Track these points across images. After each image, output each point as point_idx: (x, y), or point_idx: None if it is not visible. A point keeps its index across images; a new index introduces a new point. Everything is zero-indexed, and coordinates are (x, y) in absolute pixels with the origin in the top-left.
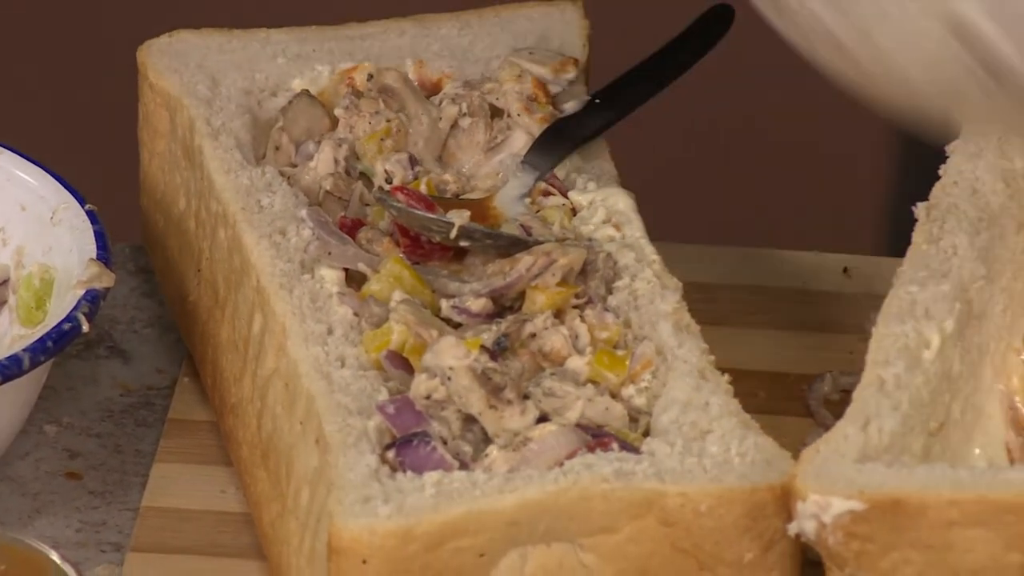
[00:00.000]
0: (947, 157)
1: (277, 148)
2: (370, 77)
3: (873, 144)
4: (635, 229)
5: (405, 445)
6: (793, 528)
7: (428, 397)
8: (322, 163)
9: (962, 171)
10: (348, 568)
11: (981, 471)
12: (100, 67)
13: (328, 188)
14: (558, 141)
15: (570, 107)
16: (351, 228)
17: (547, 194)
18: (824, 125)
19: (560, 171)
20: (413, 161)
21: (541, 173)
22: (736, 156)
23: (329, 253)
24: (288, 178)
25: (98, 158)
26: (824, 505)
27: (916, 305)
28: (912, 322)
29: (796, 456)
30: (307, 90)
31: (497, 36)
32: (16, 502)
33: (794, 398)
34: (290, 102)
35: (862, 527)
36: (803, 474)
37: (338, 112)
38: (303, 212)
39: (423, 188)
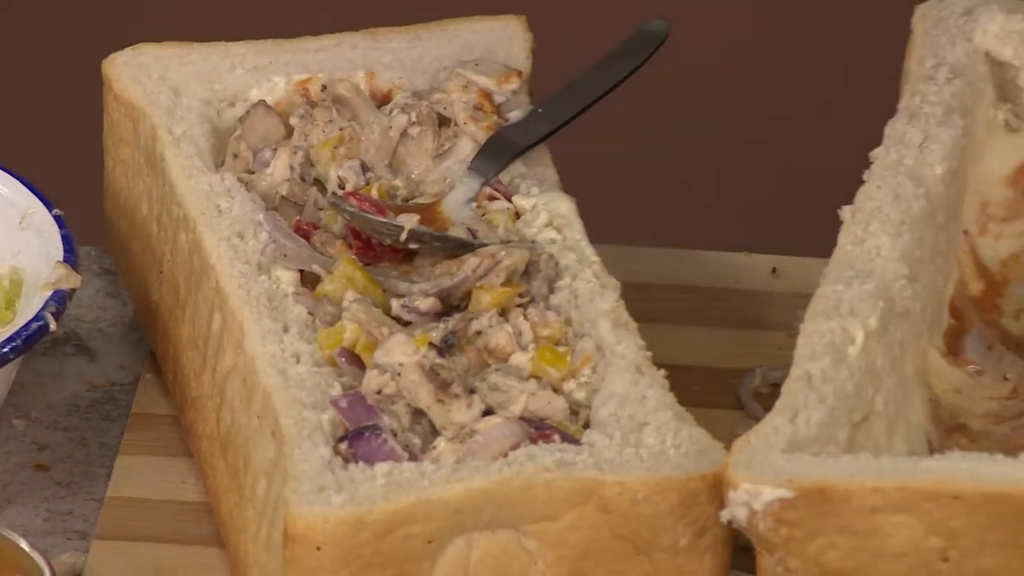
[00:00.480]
0: (871, 163)
1: (235, 155)
2: (324, 88)
3: (800, 149)
4: (576, 232)
5: (357, 437)
6: (725, 515)
7: (379, 392)
8: (278, 170)
9: (885, 176)
10: (302, 554)
11: (903, 460)
12: (67, 79)
13: (284, 193)
14: (502, 148)
15: (514, 116)
16: (306, 231)
17: (492, 199)
18: (753, 133)
19: (504, 177)
20: (365, 167)
21: (486, 179)
22: (671, 163)
23: (285, 255)
24: (246, 184)
25: (65, 165)
26: (755, 493)
27: (841, 303)
28: (837, 319)
29: (728, 447)
30: (264, 100)
31: (445, 49)
32: None
33: (726, 392)
34: (248, 112)
35: (790, 514)
36: (735, 464)
37: (293, 121)
38: (260, 216)
39: (374, 193)
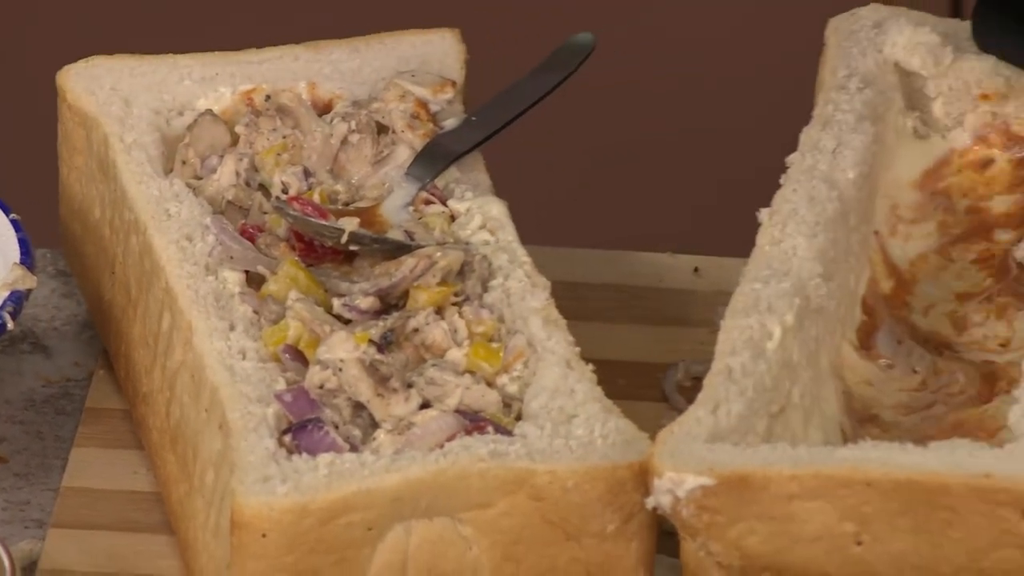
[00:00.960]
0: (787, 168)
1: (184, 162)
2: (268, 98)
3: (721, 155)
4: (508, 234)
5: (300, 430)
6: (651, 502)
7: (321, 387)
8: (225, 175)
9: (800, 180)
10: (249, 541)
11: (818, 449)
12: (23, 90)
13: (230, 198)
14: (438, 155)
15: (449, 124)
16: (251, 234)
17: (428, 203)
18: (675, 140)
19: (440, 182)
20: (307, 173)
21: (423, 184)
22: (598, 168)
23: (231, 257)
24: (194, 189)
25: (21, 172)
26: (678, 481)
27: (760, 301)
28: (756, 316)
29: (653, 437)
30: (211, 110)
31: (383, 60)
32: None
33: (651, 385)
34: (195, 120)
35: (712, 501)
36: (659, 453)
37: (239, 129)
38: (207, 220)
39: (316, 198)
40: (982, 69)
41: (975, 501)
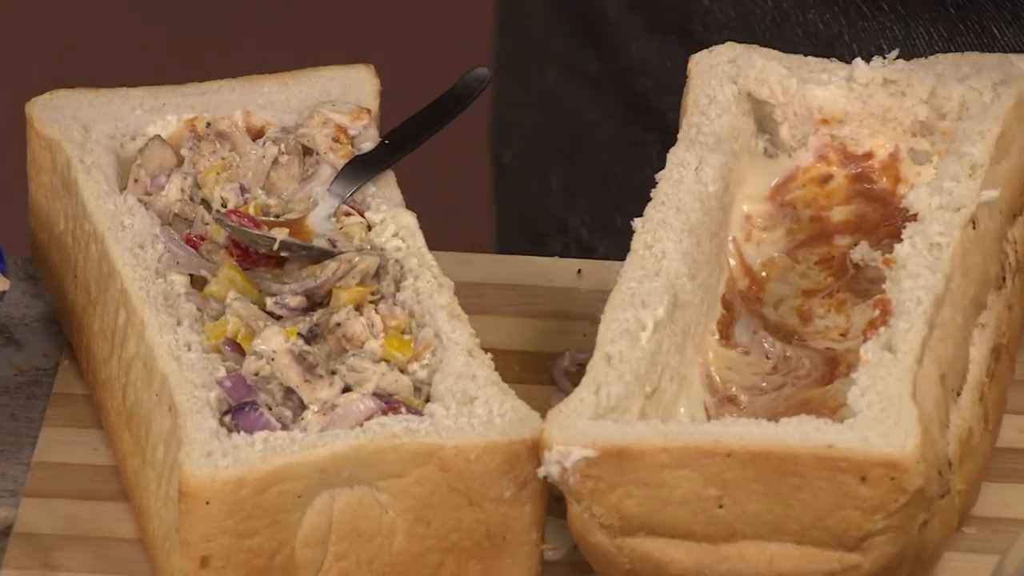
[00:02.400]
0: (657, 183)
1: (136, 180)
2: (208, 125)
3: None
4: (417, 241)
5: (239, 411)
6: (542, 471)
7: (257, 374)
8: (171, 192)
9: (669, 194)
10: (194, 508)
11: (685, 425)
12: None
13: (176, 211)
14: (356, 173)
15: (365, 146)
16: (195, 242)
17: (348, 214)
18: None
19: (358, 196)
20: (243, 189)
21: (343, 198)
22: (493, 184)
23: (178, 262)
24: (145, 204)
25: None
26: (565, 453)
27: (635, 297)
28: (632, 310)
29: (543, 416)
30: (159, 135)
31: (308, 92)
32: None
33: (541, 371)
34: (146, 144)
35: (594, 469)
36: (549, 429)
37: (184, 152)
38: (157, 230)
39: (251, 211)
40: (823, 97)
41: (819, 469)
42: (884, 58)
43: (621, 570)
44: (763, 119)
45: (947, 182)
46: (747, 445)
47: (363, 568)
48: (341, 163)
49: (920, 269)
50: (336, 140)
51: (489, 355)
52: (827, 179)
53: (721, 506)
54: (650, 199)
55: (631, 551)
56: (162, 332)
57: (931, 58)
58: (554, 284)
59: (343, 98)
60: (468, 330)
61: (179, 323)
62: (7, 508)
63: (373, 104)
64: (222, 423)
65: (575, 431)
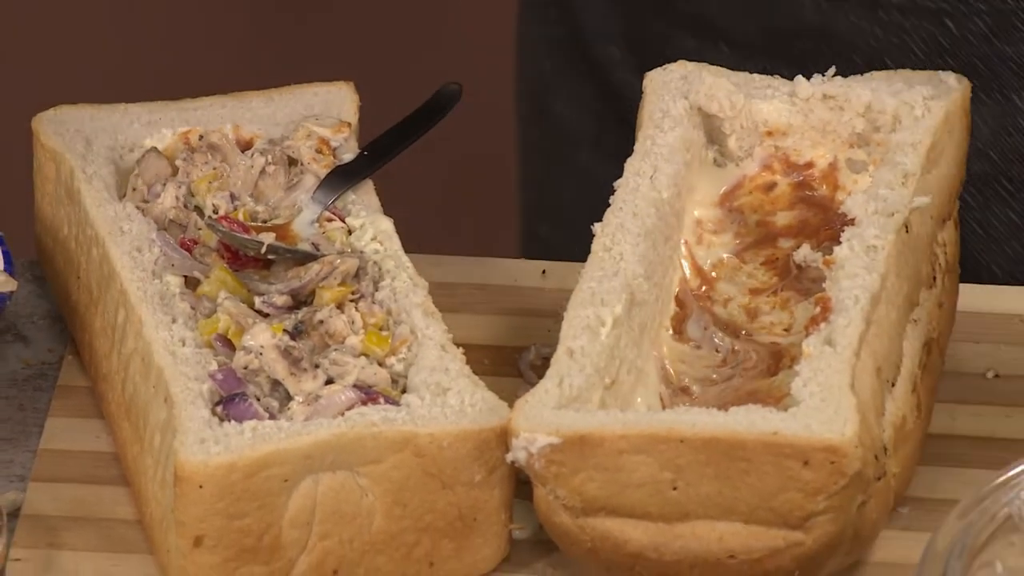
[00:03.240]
0: (615, 191)
1: (134, 189)
2: (201, 137)
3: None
4: (394, 244)
5: (230, 402)
6: (509, 457)
7: (246, 367)
8: (167, 199)
9: (625, 200)
10: (189, 491)
11: (642, 414)
12: (6, 131)
13: (171, 217)
14: (337, 182)
15: (346, 157)
16: (188, 246)
17: (330, 220)
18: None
19: (339, 203)
20: (233, 197)
21: (325, 205)
22: (466, 191)
23: (173, 264)
24: (142, 210)
25: (3, 198)
26: (532, 440)
27: (595, 295)
28: (592, 308)
29: (511, 405)
30: (155, 147)
31: (292, 107)
32: None
33: (509, 364)
34: (143, 156)
35: (558, 455)
36: (516, 418)
37: (178, 162)
38: (154, 235)
39: (240, 217)
40: (768, 111)
41: (766, 454)
42: (823, 75)
43: (583, 548)
44: (712, 131)
45: (882, 189)
46: (699, 432)
47: (345, 547)
48: (323, 173)
49: (858, 269)
50: (319, 151)
51: (461, 350)
52: (771, 187)
53: (675, 488)
54: (609, 205)
55: (592, 530)
56: (158, 329)
57: (866, 75)
58: (520, 284)
59: (325, 112)
60: (441, 327)
61: (174, 320)
62: (16, 492)
63: (353, 118)
64: (214, 413)
65: (540, 420)
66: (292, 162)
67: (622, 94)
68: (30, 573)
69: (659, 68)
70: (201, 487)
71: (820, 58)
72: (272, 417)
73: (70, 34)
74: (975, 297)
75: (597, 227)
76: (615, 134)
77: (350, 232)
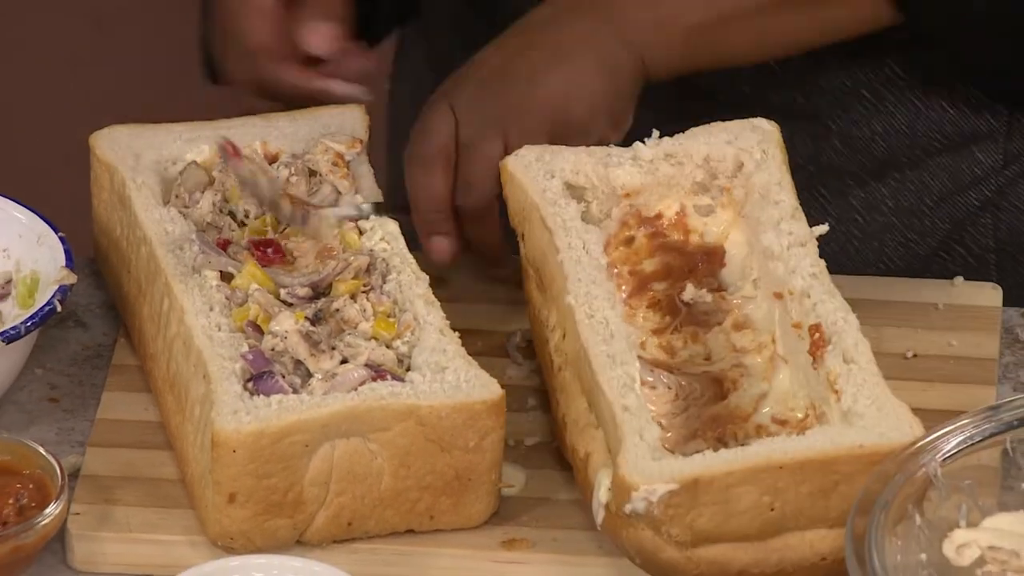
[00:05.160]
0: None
1: (176, 196)
2: None
3: None
4: (400, 244)
5: (259, 379)
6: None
7: (273, 349)
8: (204, 205)
9: (579, 273)
10: (224, 455)
11: (737, 450)
12: (69, 148)
13: (209, 220)
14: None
15: (363, 173)
16: (223, 245)
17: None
18: None
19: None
20: (260, 204)
21: (350, 216)
22: None
23: (210, 261)
24: (184, 215)
25: (67, 204)
26: (651, 491)
27: (612, 359)
28: (618, 368)
29: (502, 383)
30: (195, 160)
31: (312, 126)
32: (17, 417)
33: (499, 346)
34: (185, 168)
35: (676, 499)
36: (629, 474)
37: (215, 173)
38: (193, 235)
39: (268, 222)
40: (622, 176)
41: (856, 464)
42: (658, 139)
43: None
44: (579, 198)
45: (783, 224)
46: (793, 457)
47: (357, 502)
48: (339, 182)
49: (822, 296)
50: (335, 164)
51: (457, 334)
52: (631, 240)
53: (772, 509)
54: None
55: (699, 559)
56: (198, 316)
57: (688, 131)
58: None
59: (341, 131)
60: (440, 314)
61: (211, 309)
62: (76, 455)
63: (363, 135)
64: (245, 388)
65: (650, 471)
66: (312, 173)
67: None
68: (88, 525)
69: (511, 155)
70: (234, 451)
71: (660, 101)
72: (295, 392)
73: (122, 65)
74: (900, 288)
75: (570, 298)
76: None
77: (361, 233)
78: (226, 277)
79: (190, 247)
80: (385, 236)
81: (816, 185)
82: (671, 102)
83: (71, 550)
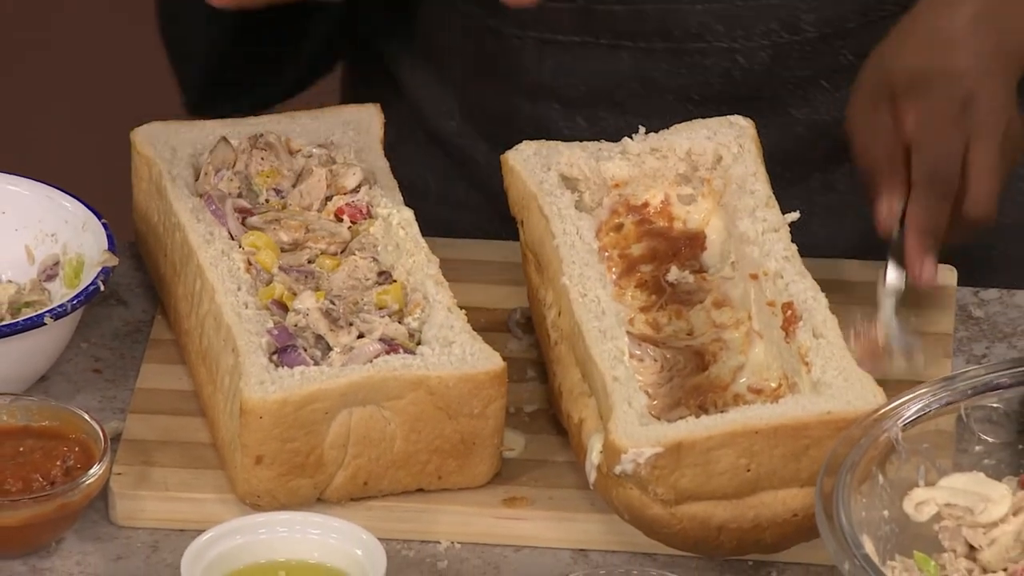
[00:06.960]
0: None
1: (205, 174)
2: (260, 136)
3: None
4: (414, 229)
5: (283, 352)
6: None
7: (296, 325)
8: (222, 183)
9: (573, 256)
10: (251, 421)
11: (716, 417)
12: (113, 142)
13: (228, 193)
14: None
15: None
16: (245, 212)
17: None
18: None
19: (369, 199)
20: (278, 191)
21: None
22: None
23: (217, 221)
24: (208, 192)
25: (111, 193)
26: (639, 453)
27: (603, 333)
28: (609, 343)
29: (504, 356)
30: (225, 137)
31: (332, 123)
32: (65, 387)
33: (500, 322)
34: (216, 143)
35: (661, 461)
36: (618, 438)
37: (240, 155)
38: (208, 198)
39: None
40: (612, 168)
41: (825, 430)
42: (645, 134)
43: (673, 530)
44: (574, 189)
45: (758, 212)
46: (768, 423)
47: (373, 464)
48: (356, 170)
49: (793, 276)
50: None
51: (463, 311)
52: (620, 227)
53: (748, 470)
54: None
55: (682, 515)
56: (227, 295)
57: (672, 128)
58: (510, 260)
59: (358, 128)
60: (448, 293)
61: (239, 289)
62: (118, 421)
63: (379, 132)
64: (271, 360)
65: (638, 435)
66: (331, 162)
67: (465, 157)
68: (128, 484)
69: (511, 150)
70: (261, 418)
71: (638, 101)
72: (316, 364)
73: (163, 64)
74: (864, 270)
75: (565, 279)
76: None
77: (374, 220)
78: (254, 264)
79: (203, 210)
80: (401, 222)
81: (784, 174)
82: (643, 100)
83: (113, 507)
